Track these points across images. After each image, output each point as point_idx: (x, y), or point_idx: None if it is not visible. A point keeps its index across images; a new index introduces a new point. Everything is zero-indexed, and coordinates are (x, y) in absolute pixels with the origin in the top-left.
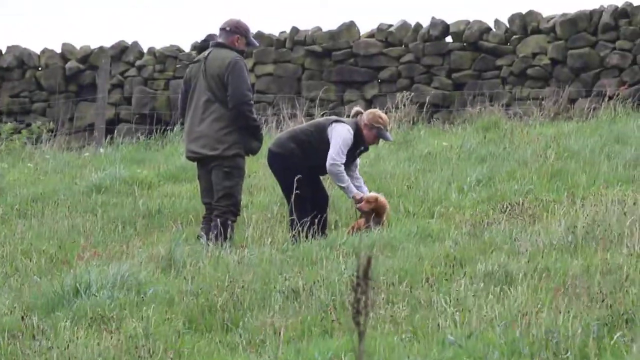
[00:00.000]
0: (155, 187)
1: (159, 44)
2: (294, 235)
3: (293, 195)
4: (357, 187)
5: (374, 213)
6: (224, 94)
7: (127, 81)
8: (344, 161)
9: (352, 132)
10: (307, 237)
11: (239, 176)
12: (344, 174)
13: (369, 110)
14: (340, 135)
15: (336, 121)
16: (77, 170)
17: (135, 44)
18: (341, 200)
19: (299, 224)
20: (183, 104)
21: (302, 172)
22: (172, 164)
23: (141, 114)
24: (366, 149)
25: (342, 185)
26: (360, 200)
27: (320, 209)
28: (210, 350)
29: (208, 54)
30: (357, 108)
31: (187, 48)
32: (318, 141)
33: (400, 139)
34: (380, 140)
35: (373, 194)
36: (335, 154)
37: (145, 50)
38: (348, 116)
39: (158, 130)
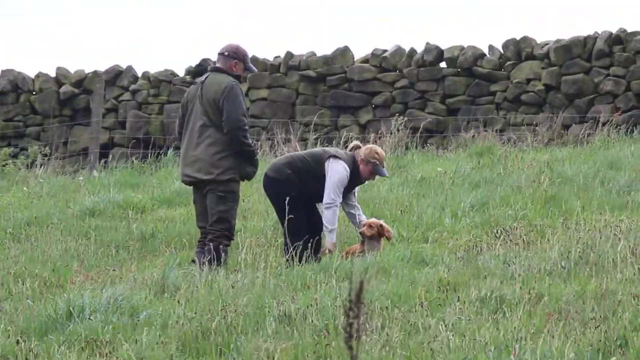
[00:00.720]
0: (149, 211)
1: (153, 69)
2: (287, 260)
3: (286, 220)
4: (357, 216)
5: (377, 237)
6: (219, 118)
7: (122, 105)
8: (340, 200)
9: (348, 170)
10: (300, 261)
11: (233, 200)
12: (337, 217)
13: (367, 146)
14: (337, 174)
15: (334, 157)
16: (71, 194)
17: (130, 68)
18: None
19: (292, 248)
20: (180, 128)
21: (296, 197)
22: (166, 188)
23: (135, 138)
24: (362, 182)
25: (331, 227)
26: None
27: (314, 233)
28: None
29: (205, 79)
30: (355, 142)
31: (181, 73)
32: (314, 170)
33: (394, 164)
34: (377, 176)
35: (375, 219)
36: (333, 194)
37: (139, 75)
38: (344, 144)
39: (152, 155)
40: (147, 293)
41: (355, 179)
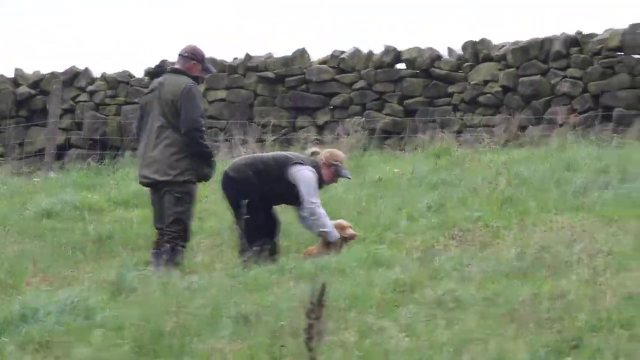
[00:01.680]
0: (106, 212)
1: (111, 70)
2: (244, 261)
3: (244, 221)
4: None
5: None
6: (177, 119)
7: (79, 106)
8: (319, 202)
9: (315, 173)
10: (257, 262)
11: (189, 202)
12: (325, 216)
13: (326, 150)
14: (307, 178)
15: (299, 163)
16: (27, 196)
17: (87, 69)
18: (292, 226)
19: (249, 250)
20: (138, 129)
21: (255, 198)
22: (123, 189)
23: (92, 139)
24: (325, 186)
25: (324, 230)
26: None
27: (272, 234)
28: None
29: (164, 80)
30: (313, 148)
31: (138, 74)
32: (276, 173)
33: (351, 165)
34: (339, 178)
35: (344, 222)
36: (312, 198)
37: (97, 76)
38: (302, 146)
39: (109, 156)
40: (103, 294)
41: (318, 183)
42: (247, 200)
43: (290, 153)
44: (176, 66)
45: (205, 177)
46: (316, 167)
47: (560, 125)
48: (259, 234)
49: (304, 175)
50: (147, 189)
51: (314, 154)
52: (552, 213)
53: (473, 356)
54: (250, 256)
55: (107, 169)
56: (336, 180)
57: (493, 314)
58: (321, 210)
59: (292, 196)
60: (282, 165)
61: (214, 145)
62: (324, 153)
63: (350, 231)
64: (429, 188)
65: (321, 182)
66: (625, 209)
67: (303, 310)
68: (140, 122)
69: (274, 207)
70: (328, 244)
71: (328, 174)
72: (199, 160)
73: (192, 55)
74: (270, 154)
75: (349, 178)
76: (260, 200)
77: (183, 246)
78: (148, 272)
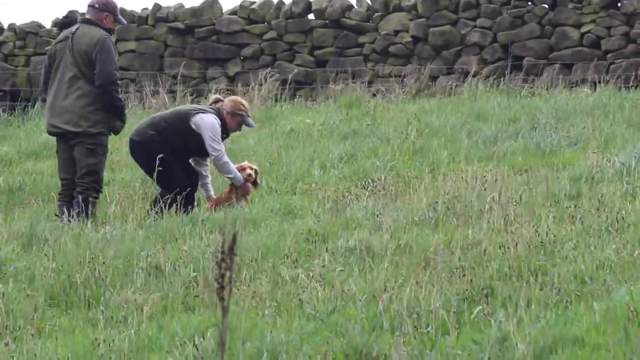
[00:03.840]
0: (16, 164)
1: (19, 20)
2: (156, 212)
3: (156, 174)
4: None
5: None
6: (90, 71)
7: None
8: (224, 149)
9: (218, 120)
10: (170, 213)
11: (102, 154)
12: (230, 163)
13: (230, 98)
14: (209, 125)
15: (200, 111)
16: None
17: None
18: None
19: (161, 201)
20: (46, 78)
21: (165, 156)
22: (34, 141)
23: (1, 91)
24: (227, 136)
25: (230, 176)
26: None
27: (188, 185)
28: (71, 326)
29: (76, 30)
30: (215, 95)
31: (47, 24)
32: (180, 128)
33: (263, 116)
34: (243, 127)
35: (249, 164)
36: (215, 144)
37: (5, 27)
38: (208, 99)
39: (19, 107)
40: (15, 246)
41: (223, 132)
42: (159, 158)
43: (190, 106)
44: (87, 17)
45: (116, 130)
46: (219, 115)
47: (473, 76)
48: (182, 184)
49: (205, 122)
50: (55, 140)
51: (216, 100)
52: (463, 163)
53: (386, 305)
54: (162, 207)
55: (17, 121)
56: (240, 129)
57: (406, 263)
58: (226, 158)
59: (202, 148)
60: (184, 118)
61: (125, 97)
62: (227, 102)
63: (248, 171)
64: (340, 138)
65: (225, 131)
66: (534, 158)
67: (215, 260)
68: (48, 71)
69: (189, 160)
70: (234, 189)
71: (233, 123)
72: (112, 112)
73: (104, 7)
74: (170, 110)
75: (254, 127)
76: (172, 155)
77: (96, 197)
78: (59, 224)
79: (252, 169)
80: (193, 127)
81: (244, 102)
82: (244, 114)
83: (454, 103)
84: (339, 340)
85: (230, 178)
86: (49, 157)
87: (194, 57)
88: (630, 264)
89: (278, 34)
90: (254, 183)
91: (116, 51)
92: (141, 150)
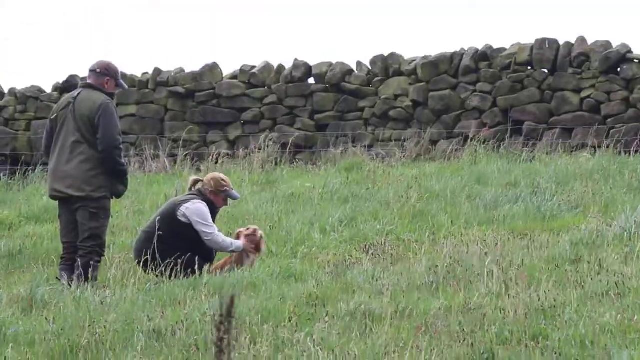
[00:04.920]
0: (16, 227)
1: (20, 85)
2: (157, 276)
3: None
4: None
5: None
6: (93, 136)
7: None
8: (216, 229)
9: (203, 202)
10: (170, 277)
11: (105, 217)
12: (224, 240)
13: (209, 176)
14: (196, 212)
15: (183, 201)
16: None
17: None
18: None
19: (163, 265)
20: (47, 142)
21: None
22: (34, 205)
23: (2, 155)
24: (218, 211)
25: (231, 249)
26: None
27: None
28: None
29: (77, 95)
30: (193, 177)
31: (48, 89)
32: (172, 226)
33: (263, 180)
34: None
35: (256, 228)
36: (206, 229)
37: (6, 91)
38: (215, 160)
39: (19, 171)
40: (15, 310)
41: (211, 210)
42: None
43: (172, 199)
44: (89, 81)
45: (119, 194)
46: (204, 196)
47: (471, 140)
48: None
49: (191, 210)
50: (57, 204)
51: (196, 182)
52: (464, 226)
53: None
54: (162, 271)
55: (18, 184)
56: (227, 204)
57: (406, 327)
58: (219, 238)
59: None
60: (171, 214)
61: (126, 160)
62: (207, 181)
63: (244, 232)
64: (340, 202)
65: (214, 209)
66: (535, 222)
67: (214, 324)
68: (50, 136)
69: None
70: (238, 256)
71: (218, 200)
72: (114, 177)
73: (106, 72)
74: (153, 216)
75: (238, 198)
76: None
77: (98, 261)
78: (60, 287)
79: (255, 232)
80: (182, 219)
81: (223, 177)
82: (227, 189)
83: (454, 167)
84: None
85: (231, 252)
86: (49, 221)
87: (195, 121)
88: (631, 328)
89: (278, 98)
90: (257, 247)
91: (118, 115)
92: (155, 266)
